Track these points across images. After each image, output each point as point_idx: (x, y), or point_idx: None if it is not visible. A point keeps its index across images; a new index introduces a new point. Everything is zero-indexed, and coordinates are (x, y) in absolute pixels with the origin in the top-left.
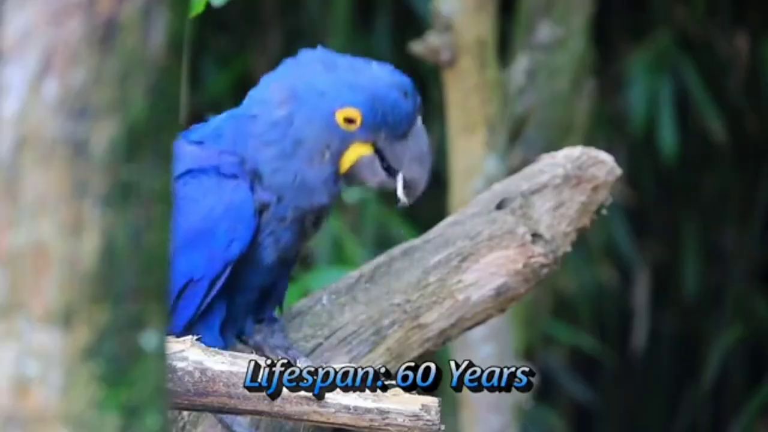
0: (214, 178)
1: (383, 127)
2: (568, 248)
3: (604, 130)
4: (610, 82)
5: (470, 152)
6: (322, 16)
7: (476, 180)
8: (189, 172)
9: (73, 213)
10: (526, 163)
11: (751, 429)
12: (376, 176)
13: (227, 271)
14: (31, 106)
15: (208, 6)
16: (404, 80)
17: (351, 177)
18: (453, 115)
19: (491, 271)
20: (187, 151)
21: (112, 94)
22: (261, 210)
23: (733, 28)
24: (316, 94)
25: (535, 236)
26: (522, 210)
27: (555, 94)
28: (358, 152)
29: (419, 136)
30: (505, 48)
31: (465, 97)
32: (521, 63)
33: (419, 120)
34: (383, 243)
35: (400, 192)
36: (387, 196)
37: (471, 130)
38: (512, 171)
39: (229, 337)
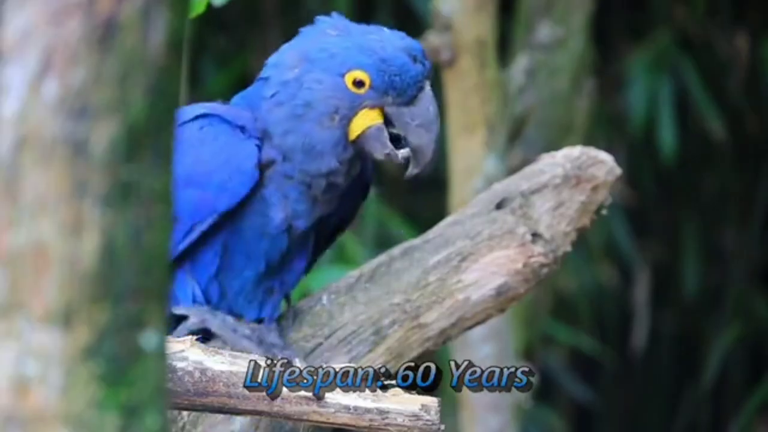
0: (224, 127)
1: (391, 90)
2: (568, 248)
3: (604, 130)
4: (610, 82)
5: (470, 152)
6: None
7: (476, 180)
8: (203, 116)
9: (73, 213)
10: (526, 163)
11: (750, 428)
12: (384, 148)
13: (212, 219)
14: (31, 106)
15: (209, 6)
16: (414, 45)
17: (359, 146)
18: (453, 115)
19: (491, 270)
20: (210, 104)
21: (112, 94)
22: (266, 166)
23: (733, 28)
24: (327, 56)
25: (535, 236)
26: (522, 210)
27: (555, 94)
28: (367, 119)
29: (427, 102)
30: (505, 48)
31: (465, 96)
32: (521, 63)
33: (428, 86)
34: (383, 243)
35: (401, 158)
36: (387, 196)
37: (471, 130)
38: (512, 171)
39: (223, 308)
